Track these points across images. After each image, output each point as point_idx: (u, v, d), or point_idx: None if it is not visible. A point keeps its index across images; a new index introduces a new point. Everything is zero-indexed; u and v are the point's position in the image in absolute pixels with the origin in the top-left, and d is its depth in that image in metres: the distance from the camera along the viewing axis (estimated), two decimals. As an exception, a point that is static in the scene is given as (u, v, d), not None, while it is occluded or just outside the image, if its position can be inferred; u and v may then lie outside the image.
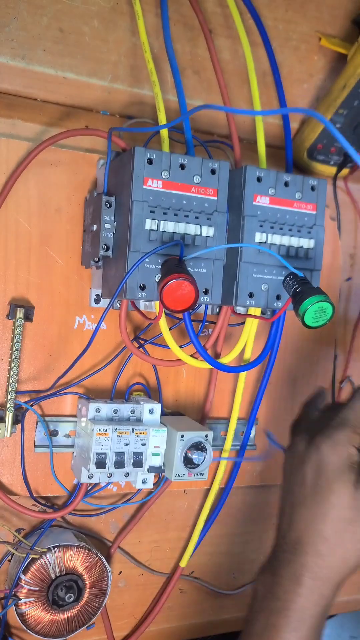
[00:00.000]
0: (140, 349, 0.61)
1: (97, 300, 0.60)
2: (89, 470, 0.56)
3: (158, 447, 0.58)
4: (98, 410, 0.57)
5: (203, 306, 0.60)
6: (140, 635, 0.67)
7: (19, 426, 0.58)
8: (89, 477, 0.56)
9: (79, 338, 0.60)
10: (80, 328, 0.61)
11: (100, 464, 0.55)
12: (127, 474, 0.58)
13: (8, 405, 0.56)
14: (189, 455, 0.59)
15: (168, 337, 0.57)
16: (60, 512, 0.59)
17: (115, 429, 0.55)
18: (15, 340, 0.56)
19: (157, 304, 0.57)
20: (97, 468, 0.55)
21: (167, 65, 0.64)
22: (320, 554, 0.49)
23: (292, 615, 0.48)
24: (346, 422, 0.52)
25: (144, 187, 0.51)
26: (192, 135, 0.60)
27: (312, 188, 0.58)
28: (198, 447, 0.59)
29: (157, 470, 0.57)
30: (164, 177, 0.52)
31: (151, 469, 0.57)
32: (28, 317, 0.57)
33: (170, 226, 0.52)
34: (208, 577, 0.72)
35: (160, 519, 0.68)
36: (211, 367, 0.59)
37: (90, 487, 0.61)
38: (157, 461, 0.57)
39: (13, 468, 0.58)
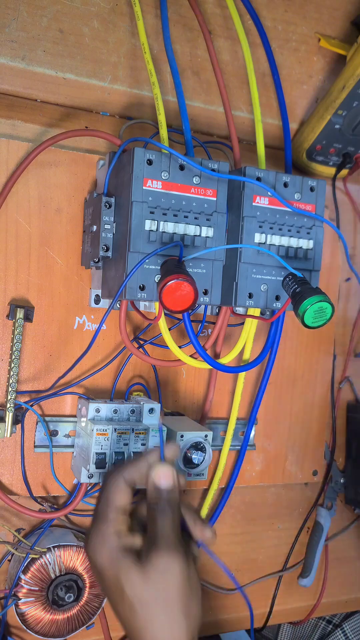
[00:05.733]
0: (140, 349, 0.61)
1: (97, 301, 0.60)
2: (88, 470, 0.56)
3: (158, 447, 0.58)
4: (98, 411, 0.57)
5: (202, 306, 0.60)
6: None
7: (19, 426, 0.58)
8: (88, 477, 0.57)
9: (78, 338, 0.61)
10: (80, 328, 0.61)
11: (100, 464, 0.55)
12: (126, 474, 0.58)
13: (8, 405, 0.56)
14: (189, 455, 0.59)
15: (167, 337, 0.57)
16: (60, 512, 0.59)
17: (115, 429, 0.55)
18: (15, 341, 0.56)
19: (157, 304, 0.57)
20: (97, 468, 0.55)
21: (166, 66, 0.64)
22: None
23: None
24: (96, 516, 0.47)
25: (144, 187, 0.52)
26: (191, 136, 0.60)
27: (311, 189, 0.58)
28: (197, 447, 0.59)
29: (156, 470, 0.58)
30: (163, 177, 0.52)
31: (151, 469, 0.57)
32: (28, 318, 0.57)
33: (169, 227, 0.52)
34: (208, 577, 0.72)
35: (160, 518, 0.68)
36: (210, 367, 0.59)
37: (90, 487, 0.61)
38: (156, 461, 0.57)
39: (13, 468, 0.58)
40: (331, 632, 0.84)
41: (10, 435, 0.57)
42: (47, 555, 0.57)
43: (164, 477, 0.47)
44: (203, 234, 0.54)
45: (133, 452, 0.56)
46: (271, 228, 0.56)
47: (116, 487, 0.47)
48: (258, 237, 0.56)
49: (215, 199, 0.54)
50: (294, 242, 0.57)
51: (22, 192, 0.57)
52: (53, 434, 0.60)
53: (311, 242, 0.58)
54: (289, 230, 0.57)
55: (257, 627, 0.77)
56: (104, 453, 0.55)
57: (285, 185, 0.57)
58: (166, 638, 0.43)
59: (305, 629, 0.86)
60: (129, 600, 0.43)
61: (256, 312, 0.60)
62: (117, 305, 0.57)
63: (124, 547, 0.45)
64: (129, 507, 0.48)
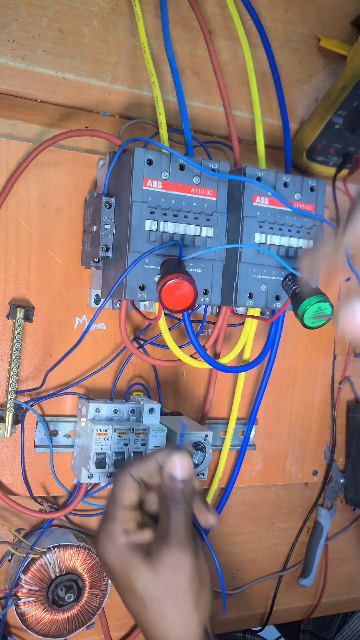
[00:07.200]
0: (140, 349, 0.61)
1: (97, 301, 0.60)
2: (89, 470, 0.56)
3: (158, 447, 0.58)
4: (98, 410, 0.57)
5: (202, 306, 0.60)
6: (139, 634, 0.67)
7: (19, 426, 0.58)
8: (89, 477, 0.57)
9: (79, 338, 0.60)
10: (80, 328, 0.61)
11: (100, 464, 0.55)
12: (126, 474, 0.58)
13: (8, 405, 0.56)
14: (189, 455, 0.59)
15: (168, 337, 0.57)
16: (60, 512, 0.59)
17: (115, 429, 0.55)
18: (15, 341, 0.56)
19: (157, 304, 0.57)
20: (97, 468, 0.55)
21: (166, 66, 0.64)
22: None
23: None
24: (104, 515, 0.47)
25: (144, 187, 0.52)
26: (191, 136, 0.60)
27: (312, 189, 0.58)
28: (197, 447, 0.59)
29: (156, 470, 0.58)
30: (163, 177, 0.52)
31: (151, 469, 0.57)
32: (28, 318, 0.57)
33: (169, 227, 0.52)
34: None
35: (160, 518, 0.68)
36: (210, 367, 0.59)
37: (90, 487, 0.61)
38: (156, 461, 0.57)
39: (13, 468, 0.58)
40: (354, 613, 0.85)
41: (10, 435, 0.57)
42: (47, 555, 0.57)
43: (180, 466, 0.45)
44: (203, 234, 0.54)
45: (133, 452, 0.56)
46: (271, 228, 0.56)
47: (123, 485, 0.46)
48: (258, 237, 0.56)
49: (215, 199, 0.54)
50: (294, 242, 0.57)
51: (22, 192, 0.57)
52: (53, 434, 0.60)
53: (311, 242, 0.58)
54: (289, 230, 0.57)
55: (257, 627, 0.77)
56: (104, 453, 0.55)
57: (286, 185, 0.57)
58: (178, 631, 0.44)
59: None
60: (140, 596, 0.44)
61: (256, 312, 0.60)
62: (118, 305, 0.57)
63: (132, 544, 0.45)
64: (137, 504, 0.47)
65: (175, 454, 0.45)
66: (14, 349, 0.56)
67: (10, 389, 0.56)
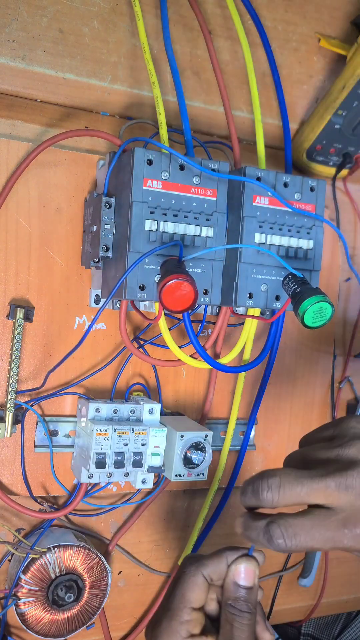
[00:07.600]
0: (140, 349, 0.61)
1: (97, 301, 0.60)
2: (88, 470, 0.56)
3: (158, 447, 0.58)
4: (98, 410, 0.57)
5: (202, 306, 0.60)
6: (139, 634, 0.68)
7: (19, 426, 0.58)
8: (88, 477, 0.57)
9: (79, 338, 0.60)
10: (80, 328, 0.61)
11: (100, 464, 0.55)
12: (126, 474, 0.58)
13: (8, 405, 0.56)
14: (189, 455, 0.59)
15: (167, 337, 0.57)
16: (60, 512, 0.59)
17: (115, 429, 0.55)
18: (15, 341, 0.56)
19: (157, 304, 0.57)
20: (97, 468, 0.55)
21: (166, 66, 0.64)
22: None
23: None
24: (168, 610, 0.45)
25: (144, 187, 0.52)
26: (191, 136, 0.60)
27: (311, 189, 0.58)
28: (197, 447, 0.59)
29: (156, 470, 0.58)
30: (163, 177, 0.52)
31: (151, 469, 0.57)
32: (28, 318, 0.57)
33: (169, 227, 0.52)
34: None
35: (160, 518, 0.68)
36: (210, 367, 0.59)
37: (90, 487, 0.61)
38: (156, 461, 0.58)
39: (13, 468, 0.58)
40: (356, 617, 0.85)
41: (10, 435, 0.57)
42: (47, 555, 0.57)
43: (245, 573, 0.43)
44: (203, 234, 0.54)
45: (133, 452, 0.56)
46: (271, 228, 0.56)
47: (194, 585, 0.44)
48: (258, 237, 0.56)
49: (215, 199, 0.54)
50: (294, 242, 0.57)
51: (22, 192, 0.57)
52: (53, 434, 0.60)
53: (311, 242, 0.58)
54: (289, 230, 0.57)
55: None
56: (104, 453, 0.55)
57: (285, 185, 0.57)
58: None
59: (330, 615, 0.86)
60: None
61: (256, 312, 0.60)
62: (118, 305, 0.57)
63: None
64: (203, 605, 0.45)
65: (241, 560, 0.43)
66: (14, 349, 0.56)
67: (10, 389, 0.56)
